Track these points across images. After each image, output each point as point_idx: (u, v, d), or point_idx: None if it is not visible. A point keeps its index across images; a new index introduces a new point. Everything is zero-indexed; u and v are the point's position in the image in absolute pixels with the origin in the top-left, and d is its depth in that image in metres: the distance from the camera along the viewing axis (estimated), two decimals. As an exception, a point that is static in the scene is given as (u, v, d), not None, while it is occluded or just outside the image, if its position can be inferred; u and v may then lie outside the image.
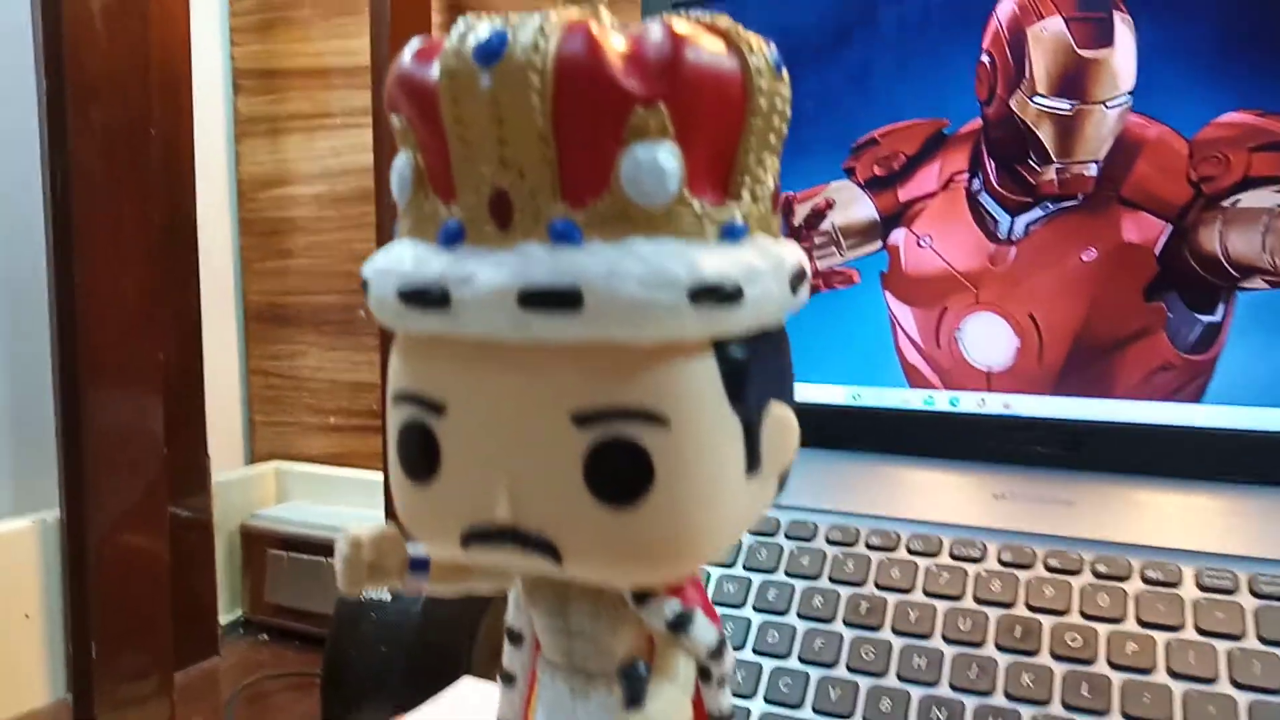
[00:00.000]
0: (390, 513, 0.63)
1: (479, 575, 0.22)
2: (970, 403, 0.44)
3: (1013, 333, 0.43)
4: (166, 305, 0.57)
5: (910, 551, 0.41)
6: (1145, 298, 0.41)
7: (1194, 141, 0.39)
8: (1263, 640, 0.34)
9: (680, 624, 0.18)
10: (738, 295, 0.16)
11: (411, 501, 0.19)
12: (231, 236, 0.74)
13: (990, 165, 0.43)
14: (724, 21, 0.17)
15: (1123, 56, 0.40)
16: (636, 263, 0.16)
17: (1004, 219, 0.43)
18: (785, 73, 0.18)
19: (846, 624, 0.39)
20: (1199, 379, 0.40)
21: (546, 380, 0.17)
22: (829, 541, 0.43)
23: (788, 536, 0.43)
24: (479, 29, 0.17)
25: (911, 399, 0.45)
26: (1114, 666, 0.35)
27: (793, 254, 0.18)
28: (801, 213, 0.47)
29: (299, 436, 0.74)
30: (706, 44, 0.17)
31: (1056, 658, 0.36)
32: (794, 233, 0.47)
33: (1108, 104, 0.40)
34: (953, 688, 0.36)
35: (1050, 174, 0.42)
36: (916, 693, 0.36)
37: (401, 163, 0.18)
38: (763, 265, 0.17)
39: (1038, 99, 0.42)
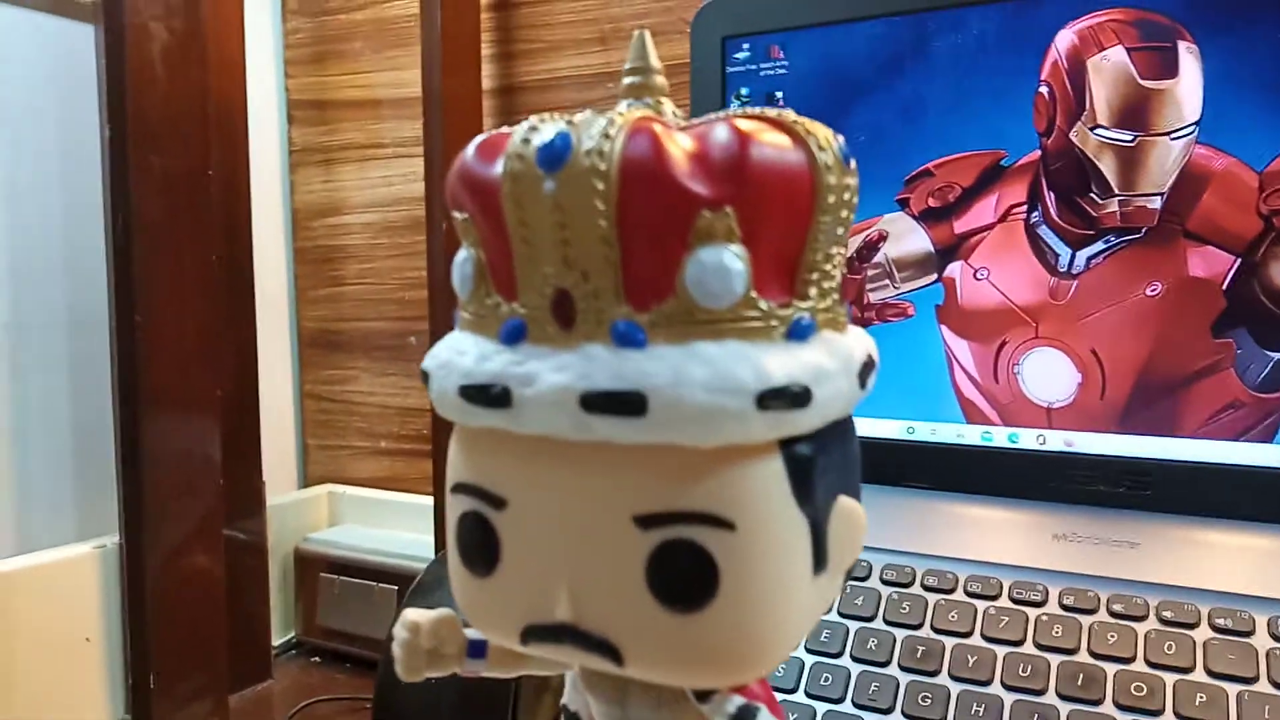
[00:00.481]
0: (440, 539, 0.63)
1: (537, 662, 0.22)
2: (1030, 440, 0.43)
3: (1074, 368, 0.42)
4: (225, 339, 0.58)
5: (968, 593, 0.40)
6: (1213, 334, 0.40)
7: (1264, 174, 0.38)
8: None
9: (744, 715, 0.18)
10: (806, 398, 0.16)
11: (470, 592, 0.19)
12: (286, 264, 0.75)
13: (1050, 197, 0.42)
14: (789, 115, 0.17)
15: (1188, 87, 0.39)
16: (702, 367, 0.15)
17: (1064, 252, 0.42)
18: (854, 163, 0.18)
19: (902, 668, 0.38)
20: (1270, 418, 0.39)
21: (609, 481, 0.16)
22: (884, 582, 0.42)
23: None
24: (543, 130, 0.17)
25: (968, 434, 0.45)
26: (1180, 718, 0.34)
27: (861, 345, 0.18)
28: (854, 245, 0.46)
29: (351, 460, 0.74)
30: (773, 142, 0.16)
31: (1120, 707, 0.35)
32: (848, 265, 0.46)
33: (1172, 135, 0.39)
34: (1014, 737, 0.35)
35: (1112, 206, 0.41)
36: (976, 742, 0.35)
37: (463, 258, 0.18)
38: (831, 365, 0.17)
39: (1099, 130, 0.41)
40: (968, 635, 0.39)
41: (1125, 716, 0.35)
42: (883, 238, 0.46)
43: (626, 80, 0.19)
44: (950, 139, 0.44)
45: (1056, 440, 0.43)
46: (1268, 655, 0.35)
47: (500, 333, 0.17)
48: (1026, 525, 0.42)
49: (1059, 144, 0.42)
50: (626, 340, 0.16)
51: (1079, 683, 0.36)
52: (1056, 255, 0.42)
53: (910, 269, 0.45)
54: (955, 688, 0.37)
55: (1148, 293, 0.40)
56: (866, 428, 0.46)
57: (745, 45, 0.48)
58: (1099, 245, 0.41)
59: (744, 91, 0.48)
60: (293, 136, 0.74)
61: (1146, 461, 0.41)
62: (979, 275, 0.44)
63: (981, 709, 0.36)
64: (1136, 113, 0.40)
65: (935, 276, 0.45)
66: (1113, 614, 0.38)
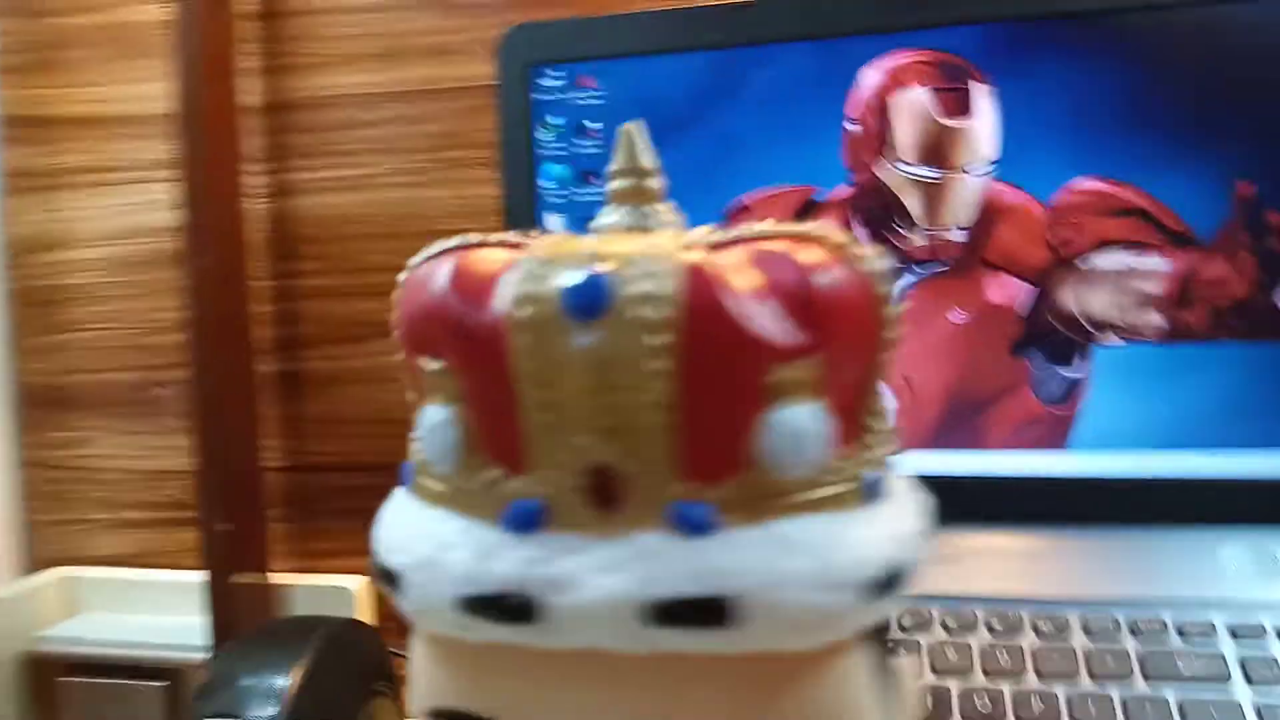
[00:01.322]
0: (220, 621, 0.55)
1: None
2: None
3: (890, 395, 0.44)
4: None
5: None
6: (1011, 355, 0.43)
7: (1052, 207, 0.42)
8: (1092, 676, 0.35)
9: None
10: (904, 577, 0.14)
11: None
12: (-2, 308, 0.63)
13: (859, 233, 0.43)
14: (836, 237, 0.15)
15: (983, 126, 0.42)
16: (799, 559, 0.13)
17: (877, 282, 0.43)
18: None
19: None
20: (1062, 429, 0.42)
21: (668, 702, 0.13)
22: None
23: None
24: (564, 272, 0.13)
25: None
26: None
27: (919, 487, 0.17)
28: (675, 278, 0.46)
29: (89, 537, 0.64)
30: (842, 277, 0.14)
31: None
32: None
33: (971, 172, 0.42)
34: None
35: (919, 240, 0.43)
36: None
37: (439, 419, 0.14)
38: (913, 524, 0.15)
39: (904, 167, 0.43)
40: None
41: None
42: (704, 271, 0.45)
43: (616, 184, 0.16)
44: (765, 174, 0.44)
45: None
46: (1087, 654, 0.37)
47: (505, 517, 0.14)
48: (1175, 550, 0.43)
49: (867, 180, 0.43)
50: (693, 526, 0.13)
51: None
52: (870, 285, 0.44)
53: (732, 301, 0.45)
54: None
55: (952, 320, 0.43)
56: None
57: (555, 73, 0.46)
58: (908, 278, 0.43)
59: (550, 120, 0.46)
60: (5, 158, 0.63)
61: (958, 477, 0.43)
62: (799, 306, 0.44)
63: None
64: (938, 150, 0.42)
65: (757, 308, 0.45)
66: (945, 628, 0.39)
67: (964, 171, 0.42)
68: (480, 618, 0.13)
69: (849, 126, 0.43)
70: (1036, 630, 0.37)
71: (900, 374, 0.44)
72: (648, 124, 0.45)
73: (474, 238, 0.16)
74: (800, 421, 0.13)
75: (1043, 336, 0.42)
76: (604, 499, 0.13)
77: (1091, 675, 0.35)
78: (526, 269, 0.14)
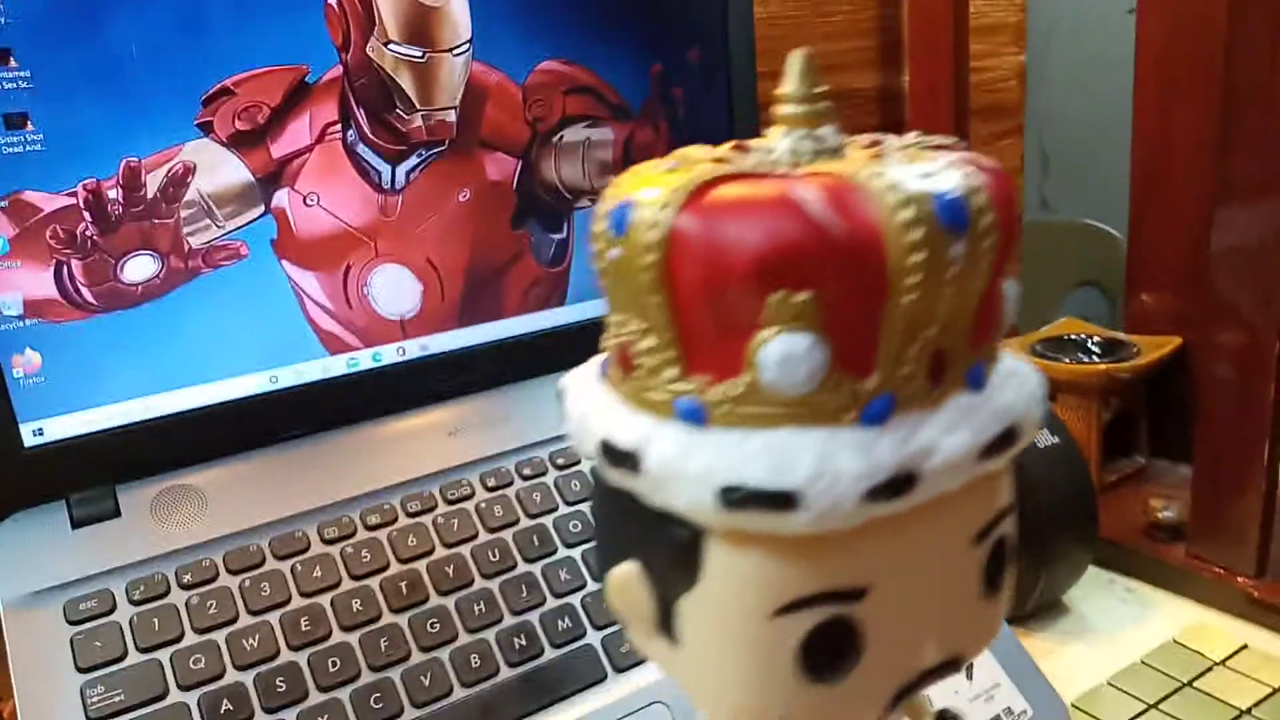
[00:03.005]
0: None
1: None
2: (392, 354, 0.44)
3: (415, 279, 0.44)
4: None
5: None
6: (512, 226, 0.46)
7: (525, 86, 0.46)
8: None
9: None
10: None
11: (819, 705, 0.16)
12: None
13: (361, 115, 0.42)
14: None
15: (458, 6, 0.43)
16: (1036, 388, 0.17)
17: (385, 169, 0.43)
18: None
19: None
20: (561, 287, 0.48)
21: (956, 517, 0.17)
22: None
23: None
24: (944, 177, 0.15)
25: (334, 366, 0.43)
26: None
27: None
28: (155, 183, 0.38)
29: None
30: None
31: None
32: (150, 208, 0.38)
33: (454, 52, 0.44)
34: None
35: (418, 121, 0.43)
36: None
37: (801, 347, 0.15)
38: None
39: (393, 46, 0.42)
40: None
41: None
42: (190, 170, 0.39)
43: (787, 109, 0.15)
44: (245, 53, 0.39)
45: (414, 348, 0.45)
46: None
47: (868, 414, 0.15)
48: (424, 433, 0.44)
49: (359, 60, 0.42)
50: (977, 382, 0.16)
51: (535, 543, 0.41)
52: (379, 173, 0.43)
53: (232, 203, 0.40)
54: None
55: (460, 199, 0.45)
56: (223, 391, 0.40)
57: None
58: (413, 160, 0.43)
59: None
60: None
61: (488, 345, 0.46)
62: (309, 201, 0.41)
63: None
64: (421, 30, 0.43)
65: (263, 209, 0.40)
66: (557, 467, 0.43)
67: (449, 52, 0.44)
68: (877, 502, 0.15)
69: (331, 2, 0.41)
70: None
71: (422, 256, 0.44)
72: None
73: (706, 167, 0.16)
74: (1012, 295, 0.17)
75: (535, 207, 0.47)
76: (936, 379, 0.16)
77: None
78: (909, 181, 0.14)
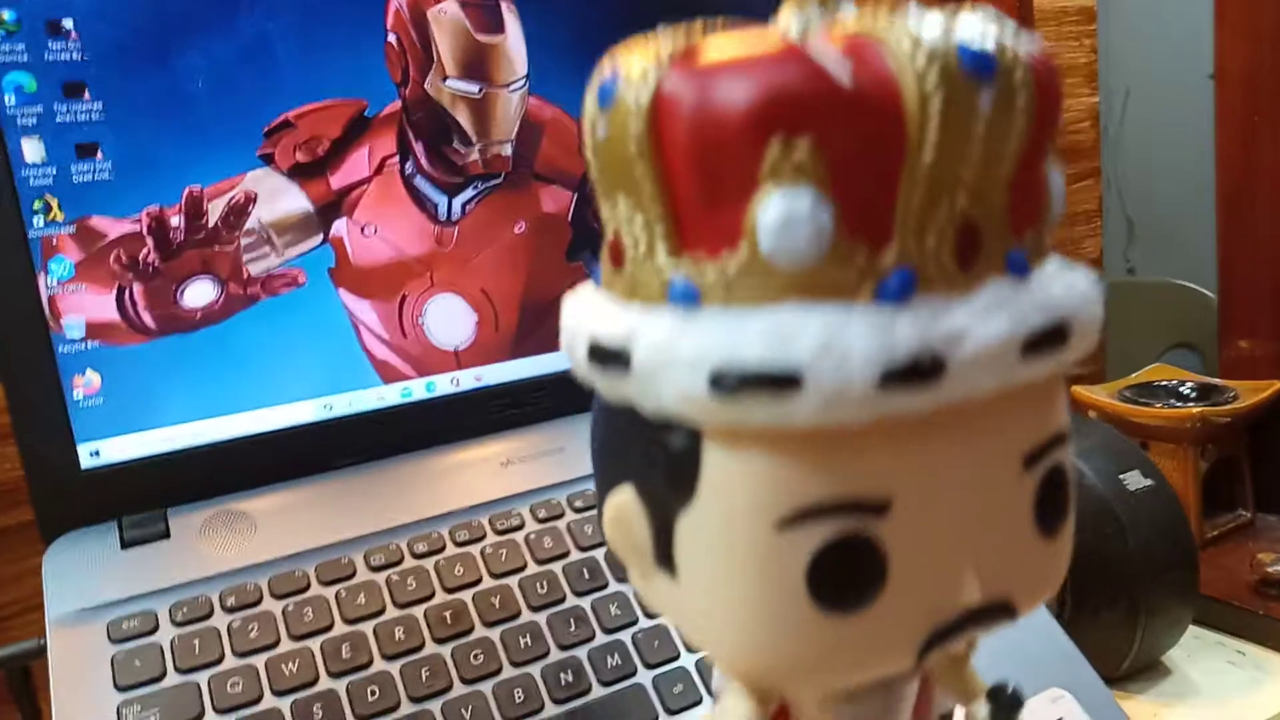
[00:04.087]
0: None
1: (775, 699, 0.16)
2: (446, 385, 0.44)
3: (470, 309, 0.44)
4: None
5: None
6: (567, 259, 0.46)
7: (580, 120, 0.46)
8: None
9: (972, 640, 0.18)
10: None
11: (835, 639, 0.14)
12: None
13: (418, 148, 0.43)
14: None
15: (514, 42, 0.44)
16: (1087, 287, 0.15)
17: (441, 200, 0.43)
18: None
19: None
20: (617, 321, 0.48)
21: (999, 431, 0.15)
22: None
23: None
24: (970, 23, 0.13)
25: (388, 395, 0.43)
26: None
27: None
28: (217, 211, 0.39)
29: None
30: None
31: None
32: (211, 235, 0.39)
33: (510, 87, 0.44)
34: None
35: (474, 155, 0.44)
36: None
37: (803, 205, 0.13)
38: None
39: (450, 82, 0.43)
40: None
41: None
42: (251, 199, 0.40)
43: None
44: (307, 87, 0.40)
45: (469, 379, 0.44)
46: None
47: (885, 290, 0.13)
48: (476, 463, 0.43)
49: (417, 95, 0.42)
50: (1020, 270, 0.14)
51: (585, 576, 0.39)
52: (435, 204, 0.43)
53: (291, 232, 0.41)
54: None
55: (516, 231, 0.45)
56: (274, 418, 0.40)
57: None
58: (470, 192, 0.44)
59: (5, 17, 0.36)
60: None
61: (543, 378, 0.46)
62: (367, 231, 0.42)
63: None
64: (478, 65, 0.43)
65: (321, 238, 0.41)
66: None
67: (505, 87, 0.44)
68: (895, 390, 0.13)
69: (390, 39, 0.42)
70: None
71: (477, 286, 0.44)
72: (157, 34, 0.37)
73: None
74: (1058, 184, 0.16)
75: (590, 239, 0.47)
76: (967, 257, 0.14)
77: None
78: (924, 28, 0.13)
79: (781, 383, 0.13)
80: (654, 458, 0.15)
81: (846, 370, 0.13)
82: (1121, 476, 0.47)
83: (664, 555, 0.15)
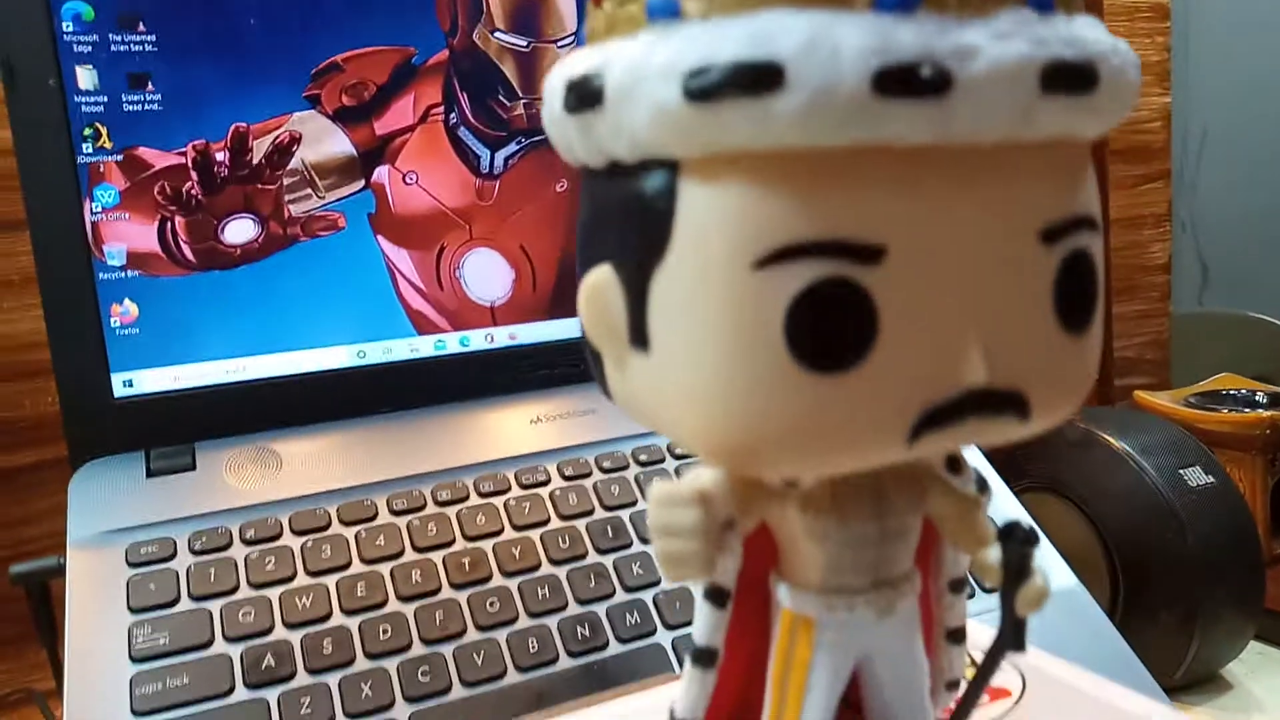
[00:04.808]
0: None
1: (760, 509, 0.15)
2: (480, 340, 0.43)
3: (508, 265, 0.44)
4: None
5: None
6: (609, 221, 0.45)
7: None
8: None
9: (985, 486, 0.16)
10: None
11: (817, 403, 0.13)
12: None
13: (464, 99, 0.42)
14: None
15: None
16: (1125, 48, 0.14)
17: (485, 153, 0.43)
18: None
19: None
20: (657, 288, 0.47)
21: (1013, 194, 0.13)
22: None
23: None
24: None
25: (422, 347, 0.42)
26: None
27: None
28: (261, 149, 0.39)
29: None
30: None
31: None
32: (255, 173, 0.39)
33: (558, 43, 0.44)
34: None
35: (519, 109, 0.43)
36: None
37: None
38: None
39: (499, 34, 0.43)
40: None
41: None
42: (295, 140, 0.40)
43: None
44: (356, 32, 0.40)
45: (503, 336, 0.44)
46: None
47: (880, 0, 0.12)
48: (505, 419, 0.42)
49: (465, 45, 0.42)
50: (1043, 7, 0.13)
51: (609, 534, 0.38)
52: (478, 157, 0.43)
53: (333, 175, 0.41)
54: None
55: (558, 189, 0.44)
56: (307, 360, 0.40)
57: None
58: (513, 146, 0.43)
59: (66, -52, 0.36)
60: None
61: (578, 341, 0.45)
62: (408, 180, 0.42)
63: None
64: (528, 19, 0.43)
65: (363, 183, 0.41)
66: (639, 463, 0.41)
67: (554, 42, 0.44)
68: (891, 100, 0.11)
69: (441, -11, 0.42)
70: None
71: (516, 243, 0.44)
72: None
73: None
74: None
75: (633, 202, 0.46)
76: None
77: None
78: None
79: (761, 79, 0.12)
80: (629, 213, 0.14)
81: (836, 65, 0.11)
82: (1182, 471, 0.44)
83: (638, 331, 0.14)
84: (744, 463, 0.14)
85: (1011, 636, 0.14)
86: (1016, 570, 0.14)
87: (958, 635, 0.17)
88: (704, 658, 0.15)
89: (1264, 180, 0.87)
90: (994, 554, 0.14)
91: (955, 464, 0.16)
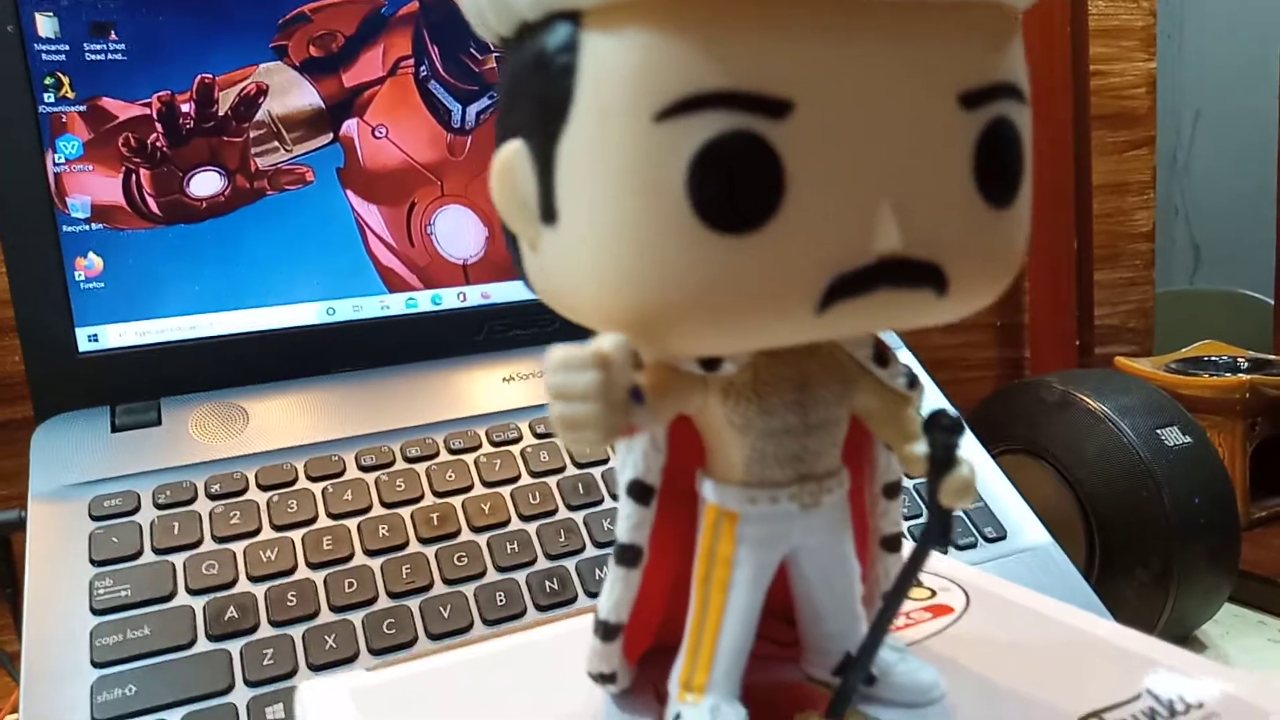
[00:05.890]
0: None
1: (677, 396, 0.15)
2: (452, 299, 0.43)
3: (480, 223, 0.43)
4: None
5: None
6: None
7: None
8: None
9: (915, 382, 0.16)
10: None
11: (722, 265, 0.12)
12: None
13: (435, 51, 0.42)
14: None
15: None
16: None
17: (456, 108, 0.42)
18: None
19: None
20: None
21: (930, 53, 0.13)
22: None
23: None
24: None
25: (393, 304, 0.42)
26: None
27: None
28: (227, 100, 0.39)
29: None
30: None
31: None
32: (221, 125, 0.39)
33: (533, -2, 0.43)
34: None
35: (491, 63, 0.43)
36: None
37: None
38: None
39: (471, -13, 0.42)
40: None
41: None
42: (262, 91, 0.39)
43: None
44: (325, -17, 0.40)
45: (475, 295, 0.43)
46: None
47: None
48: (476, 377, 0.42)
49: (436, -3, 0.42)
50: None
51: (580, 491, 0.38)
52: (450, 111, 0.42)
53: (301, 128, 0.40)
54: (481, 538, 0.35)
55: (532, 145, 0.44)
56: (278, 317, 0.40)
57: None
58: (485, 101, 0.43)
59: (24, -108, 0.36)
60: None
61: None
62: (378, 133, 0.41)
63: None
64: (501, -27, 0.42)
65: (331, 136, 0.40)
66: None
67: (528, -3, 0.43)
68: None
69: (410, -60, 0.41)
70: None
71: (489, 202, 0.43)
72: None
73: None
74: None
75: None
76: None
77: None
78: None
79: None
80: (535, 76, 0.13)
81: None
82: (1159, 432, 0.44)
83: (548, 205, 0.14)
84: (651, 335, 0.13)
85: (938, 530, 0.13)
86: (941, 460, 0.13)
87: (893, 543, 0.16)
88: (627, 555, 0.15)
89: (1255, 163, 0.87)
90: (920, 447, 0.14)
91: (883, 358, 0.15)
